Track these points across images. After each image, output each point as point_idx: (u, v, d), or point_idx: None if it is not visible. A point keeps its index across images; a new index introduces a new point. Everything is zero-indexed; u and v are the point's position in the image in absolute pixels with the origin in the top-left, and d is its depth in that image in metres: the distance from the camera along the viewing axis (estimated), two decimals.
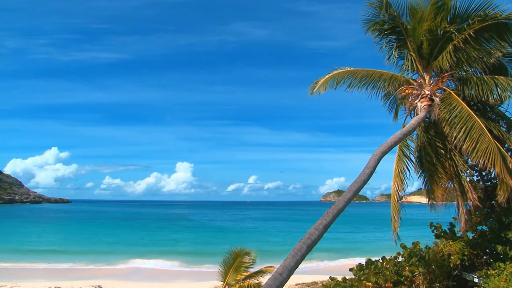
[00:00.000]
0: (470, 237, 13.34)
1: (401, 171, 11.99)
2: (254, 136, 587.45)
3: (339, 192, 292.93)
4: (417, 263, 12.65)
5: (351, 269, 14.08)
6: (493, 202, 12.86)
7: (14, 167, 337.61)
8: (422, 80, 11.56)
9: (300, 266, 6.73)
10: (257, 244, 47.93)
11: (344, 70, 12.58)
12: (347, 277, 14.07)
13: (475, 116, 10.29)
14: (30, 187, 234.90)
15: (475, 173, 13.23)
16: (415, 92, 11.46)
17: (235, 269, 13.21)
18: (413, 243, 13.60)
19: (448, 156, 11.75)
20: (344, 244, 53.35)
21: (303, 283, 27.90)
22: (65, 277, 31.83)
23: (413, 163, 12.31)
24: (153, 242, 56.47)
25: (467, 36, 10.34)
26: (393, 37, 11.98)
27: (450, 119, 10.66)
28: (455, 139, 10.59)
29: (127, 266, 38.01)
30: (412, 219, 43.31)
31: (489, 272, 11.26)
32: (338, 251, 45.24)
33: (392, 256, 13.73)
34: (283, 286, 6.10)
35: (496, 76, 10.94)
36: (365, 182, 8.38)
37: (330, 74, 12.67)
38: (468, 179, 12.14)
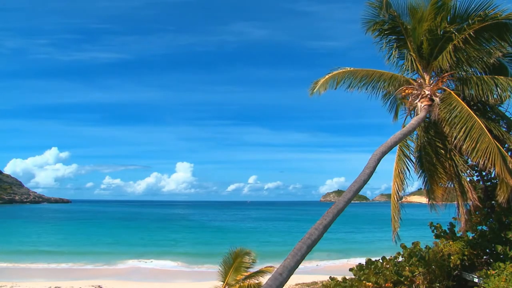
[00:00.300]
0: (470, 237, 13.34)
1: (401, 171, 11.98)
2: (254, 136, 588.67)
3: (339, 192, 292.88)
4: (417, 263, 12.65)
5: (351, 269, 14.08)
6: (493, 202, 12.85)
7: (14, 167, 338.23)
8: (422, 80, 11.55)
9: (300, 266, 6.73)
10: (257, 244, 47.97)
11: (344, 70, 12.58)
12: (347, 277, 14.07)
13: (475, 116, 10.28)
14: (30, 187, 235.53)
15: (475, 173, 13.22)
16: (415, 92, 11.46)
17: (235, 269, 13.22)
18: (413, 243, 13.60)
19: (448, 156, 11.74)
20: (344, 244, 53.39)
21: (303, 283, 27.90)
22: (65, 277, 31.86)
23: (413, 163, 12.30)
24: (153, 242, 56.47)
25: (467, 36, 10.33)
26: (393, 37, 11.98)
27: (450, 119, 10.66)
28: (455, 139, 10.58)
29: (127, 266, 38.02)
30: (412, 219, 43.37)
31: (489, 272, 11.25)
32: (338, 251, 45.32)
33: (392, 256, 13.73)
34: (283, 286, 6.10)
35: (496, 76, 10.94)
36: (365, 182, 8.38)
37: (330, 74, 12.67)
38: (468, 179, 12.14)
